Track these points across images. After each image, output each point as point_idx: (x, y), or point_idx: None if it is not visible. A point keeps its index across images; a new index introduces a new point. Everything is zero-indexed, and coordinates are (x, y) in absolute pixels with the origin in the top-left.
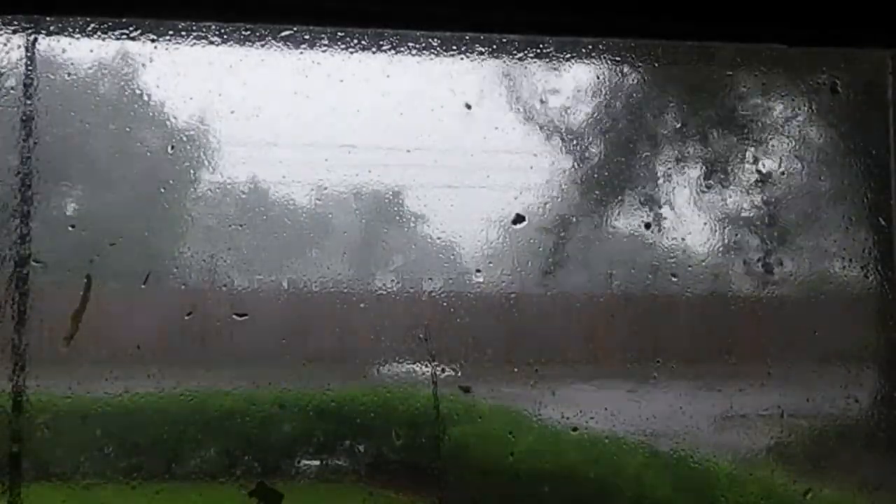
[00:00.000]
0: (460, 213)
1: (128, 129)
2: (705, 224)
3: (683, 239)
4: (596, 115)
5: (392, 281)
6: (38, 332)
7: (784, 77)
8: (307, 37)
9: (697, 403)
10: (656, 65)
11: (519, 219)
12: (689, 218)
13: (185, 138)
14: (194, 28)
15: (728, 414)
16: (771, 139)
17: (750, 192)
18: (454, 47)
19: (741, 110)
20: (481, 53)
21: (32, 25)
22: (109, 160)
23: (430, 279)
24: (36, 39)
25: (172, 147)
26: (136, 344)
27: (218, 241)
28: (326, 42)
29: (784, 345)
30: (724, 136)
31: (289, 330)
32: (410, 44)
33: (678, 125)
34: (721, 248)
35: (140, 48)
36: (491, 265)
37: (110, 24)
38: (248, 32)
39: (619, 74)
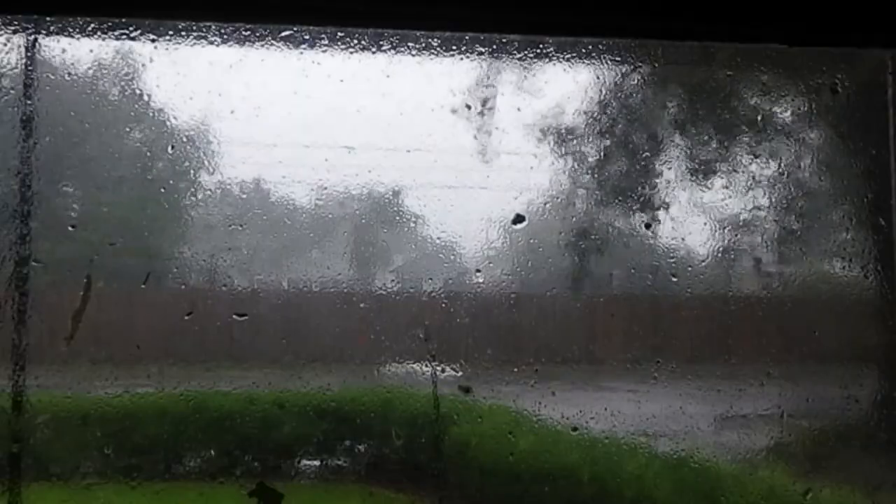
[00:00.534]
0: (460, 213)
1: (128, 129)
2: (705, 224)
3: (683, 239)
4: (596, 115)
5: (392, 281)
6: (38, 332)
7: (784, 77)
8: (307, 37)
9: (697, 403)
10: (656, 65)
11: (519, 219)
12: (689, 218)
13: (185, 138)
14: (194, 28)
15: (728, 414)
16: (771, 139)
17: (750, 192)
18: (454, 47)
19: (741, 110)
20: (481, 53)
21: (32, 25)
22: (109, 160)
23: (430, 279)
24: (36, 39)
25: (172, 147)
26: (136, 344)
27: (218, 241)
28: (326, 42)
29: (784, 345)
30: (725, 137)
31: (289, 330)
32: (410, 44)
33: (678, 125)
34: (721, 248)
35: (140, 48)
36: (491, 265)
37: (110, 24)
38: (248, 32)
39: (619, 74)
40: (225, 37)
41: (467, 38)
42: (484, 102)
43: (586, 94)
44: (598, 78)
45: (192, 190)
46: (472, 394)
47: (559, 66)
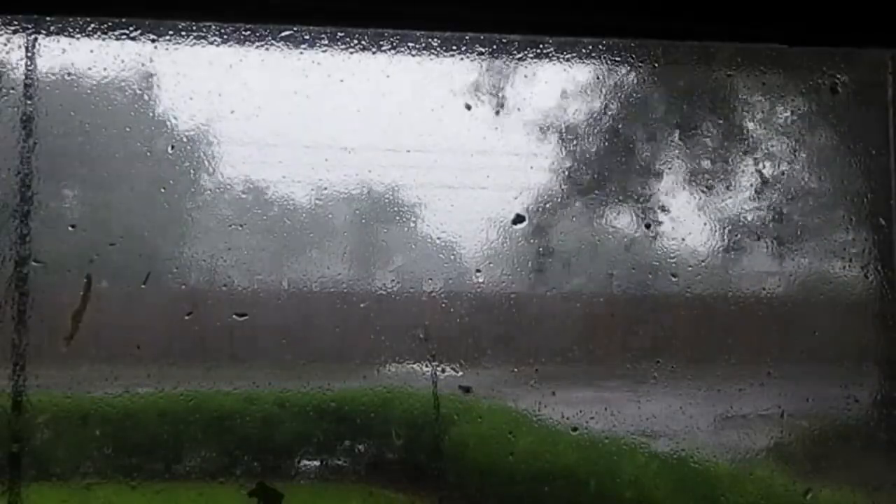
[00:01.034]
0: (460, 213)
1: (127, 129)
2: (705, 224)
3: (683, 239)
4: (596, 115)
5: (392, 281)
6: (38, 332)
7: (784, 77)
8: (307, 37)
9: (697, 403)
10: (656, 65)
11: (519, 219)
12: (689, 218)
13: (185, 138)
14: (194, 28)
15: (728, 414)
16: (771, 139)
17: (750, 192)
18: (454, 47)
19: (741, 110)
20: (481, 53)
21: (32, 25)
22: (109, 160)
23: (430, 279)
24: (36, 39)
25: (172, 147)
26: (136, 344)
27: (218, 242)
28: (326, 42)
29: (784, 345)
30: (724, 137)
31: (289, 330)
32: (410, 44)
33: (678, 125)
34: (721, 248)
35: (140, 48)
36: (491, 265)
37: (110, 24)
38: (248, 32)
39: (619, 74)
40: (225, 37)
41: (467, 38)
42: (484, 102)
43: (586, 94)
44: (598, 78)
45: (192, 190)
46: (472, 394)
47: (559, 66)
